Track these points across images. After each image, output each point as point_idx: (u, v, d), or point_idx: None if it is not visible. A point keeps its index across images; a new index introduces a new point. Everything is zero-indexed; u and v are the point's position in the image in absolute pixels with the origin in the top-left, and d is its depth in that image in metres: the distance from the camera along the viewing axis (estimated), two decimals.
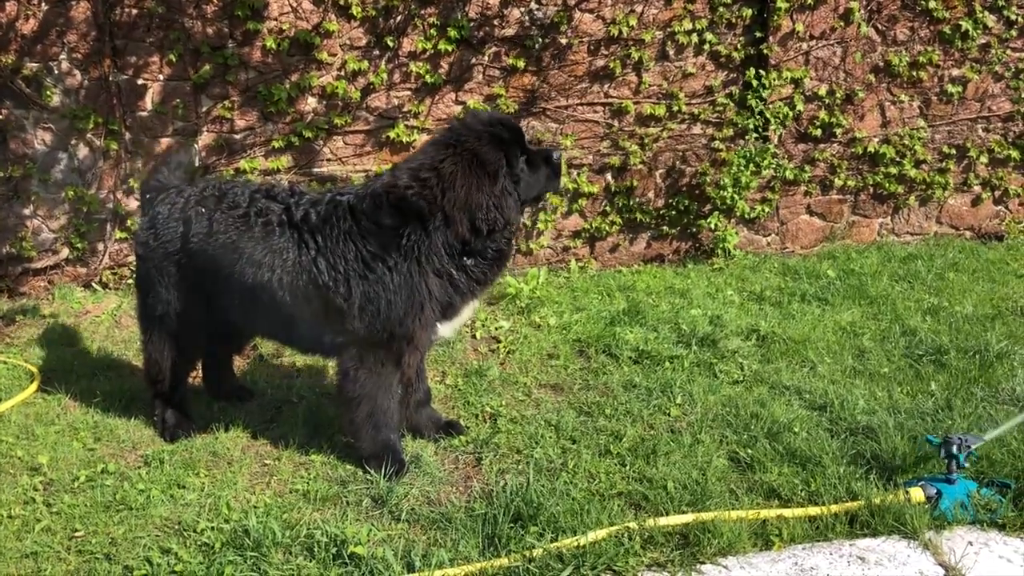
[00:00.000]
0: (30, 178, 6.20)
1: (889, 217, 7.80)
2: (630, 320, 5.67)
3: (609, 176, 7.08)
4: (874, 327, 5.62)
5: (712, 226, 7.18)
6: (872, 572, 3.25)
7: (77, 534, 3.50)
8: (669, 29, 6.87)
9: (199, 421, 4.40)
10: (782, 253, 7.52)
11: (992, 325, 5.54)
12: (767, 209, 7.37)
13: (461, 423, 4.36)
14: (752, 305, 6.10)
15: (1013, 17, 7.46)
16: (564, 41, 6.70)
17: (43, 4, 5.97)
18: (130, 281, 6.30)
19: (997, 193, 7.95)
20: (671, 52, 6.95)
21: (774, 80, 7.07)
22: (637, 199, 7.11)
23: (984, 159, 7.75)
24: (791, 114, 7.20)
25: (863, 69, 7.33)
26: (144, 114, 6.27)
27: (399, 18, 6.42)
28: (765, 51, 7.03)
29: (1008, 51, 7.57)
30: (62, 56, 6.08)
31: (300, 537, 3.38)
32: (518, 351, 5.29)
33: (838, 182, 7.50)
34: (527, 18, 6.60)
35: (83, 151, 6.27)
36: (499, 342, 5.43)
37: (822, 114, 7.31)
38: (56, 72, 6.09)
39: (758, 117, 7.09)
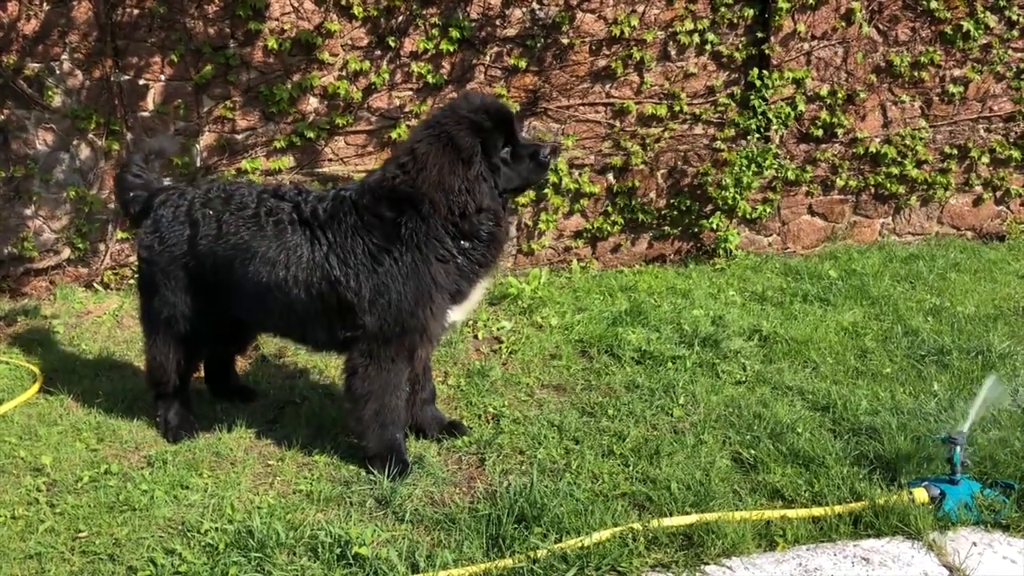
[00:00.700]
0: (32, 178, 6.20)
1: (890, 217, 7.80)
2: (632, 320, 5.67)
3: (611, 176, 7.07)
4: (876, 327, 5.62)
5: (714, 226, 7.18)
6: (876, 573, 3.25)
7: (81, 535, 3.50)
8: (671, 29, 6.87)
9: (202, 421, 4.40)
10: (784, 253, 7.52)
11: (994, 325, 5.54)
12: (769, 209, 7.37)
13: (464, 424, 4.36)
14: (754, 305, 6.10)
15: (1014, 17, 7.46)
16: (566, 41, 6.70)
17: (45, 4, 5.96)
18: (132, 281, 6.30)
19: (998, 193, 7.94)
20: (673, 52, 6.95)
21: (776, 80, 7.07)
22: (639, 199, 7.11)
23: (985, 159, 7.75)
24: (793, 114, 7.20)
25: (864, 69, 7.33)
26: (146, 114, 6.27)
27: (401, 18, 6.42)
28: (767, 51, 7.03)
29: (1010, 51, 7.57)
30: (64, 56, 6.08)
31: (304, 538, 3.38)
32: (520, 351, 5.29)
33: (839, 182, 7.50)
34: (529, 18, 6.60)
35: (85, 151, 6.27)
36: (501, 342, 5.43)
37: (824, 114, 7.31)
38: (58, 72, 6.09)
39: (760, 117, 7.09)
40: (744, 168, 7.03)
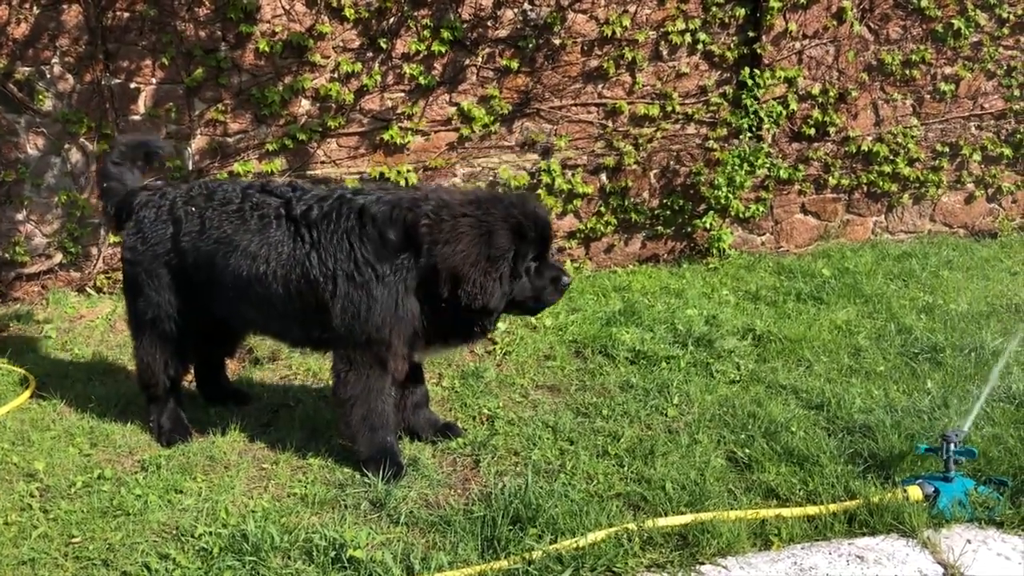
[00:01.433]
0: (23, 183, 6.18)
1: (883, 215, 7.83)
2: (626, 320, 5.67)
3: (604, 176, 7.08)
4: (869, 325, 5.63)
5: (707, 226, 7.19)
6: (871, 571, 3.26)
7: (74, 540, 3.48)
8: (662, 29, 6.88)
9: (196, 425, 4.38)
10: (777, 252, 7.53)
11: (987, 323, 5.56)
12: (761, 208, 7.38)
13: (458, 425, 4.35)
14: (747, 304, 6.10)
15: (1005, 15, 7.49)
16: (557, 42, 6.70)
17: (34, 8, 5.94)
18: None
19: (990, 191, 7.97)
20: (664, 52, 6.96)
21: (768, 79, 7.08)
22: (632, 199, 7.12)
23: (977, 157, 7.78)
24: (785, 113, 7.22)
25: (856, 68, 7.35)
26: (137, 118, 6.25)
27: (392, 20, 6.41)
28: (758, 50, 7.04)
29: (1000, 49, 7.60)
30: (54, 60, 6.06)
31: (299, 541, 3.37)
32: (514, 352, 5.28)
33: (832, 181, 7.52)
34: (520, 19, 6.60)
35: (76, 155, 6.25)
36: (495, 344, 5.42)
37: (815, 113, 7.32)
38: (48, 76, 6.07)
39: (752, 116, 7.10)
40: (737, 167, 7.04)
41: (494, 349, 5.35)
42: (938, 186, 7.77)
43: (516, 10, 6.59)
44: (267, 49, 6.20)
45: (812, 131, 7.35)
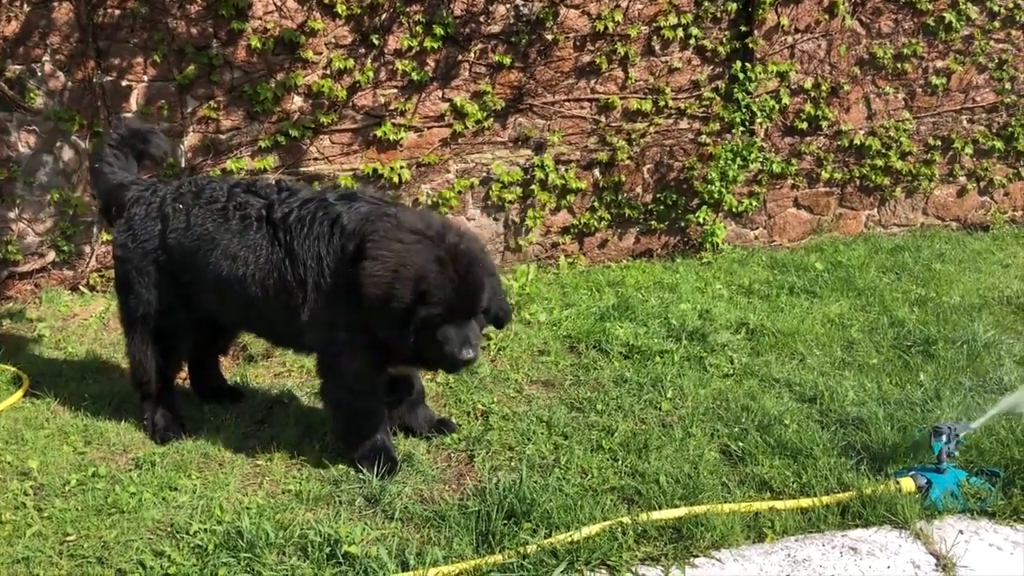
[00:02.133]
0: (15, 181, 6.16)
1: (876, 209, 7.85)
2: (620, 315, 5.68)
3: (597, 172, 7.08)
4: (862, 319, 5.65)
5: (700, 220, 7.20)
6: (864, 562, 3.27)
7: (69, 538, 3.48)
8: (654, 24, 6.88)
9: (190, 423, 4.38)
10: (770, 246, 7.55)
11: (979, 315, 5.58)
12: (754, 203, 7.39)
13: (453, 420, 4.36)
14: (741, 299, 6.12)
15: (996, 8, 7.51)
16: (550, 37, 6.70)
17: (25, 6, 5.92)
18: None
19: (982, 184, 8.00)
20: (657, 47, 6.96)
21: (760, 74, 7.09)
22: (625, 194, 7.12)
23: (969, 150, 7.80)
24: (777, 107, 7.23)
25: (848, 62, 7.36)
26: (129, 115, 6.22)
27: (384, 16, 6.40)
28: (750, 45, 7.05)
29: (991, 42, 7.62)
30: (45, 58, 6.03)
31: (294, 537, 3.37)
32: (508, 348, 5.29)
33: (825, 175, 7.53)
34: (512, 14, 6.60)
35: (68, 153, 6.23)
36: (490, 339, 5.42)
37: (808, 107, 7.34)
38: (39, 74, 6.05)
39: (744, 111, 7.11)
40: (729, 162, 7.05)
41: (488, 344, 5.35)
42: (930, 179, 7.80)
43: (508, 5, 6.58)
44: (259, 46, 6.18)
45: (804, 125, 7.37)
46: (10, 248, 6.19)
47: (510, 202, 6.91)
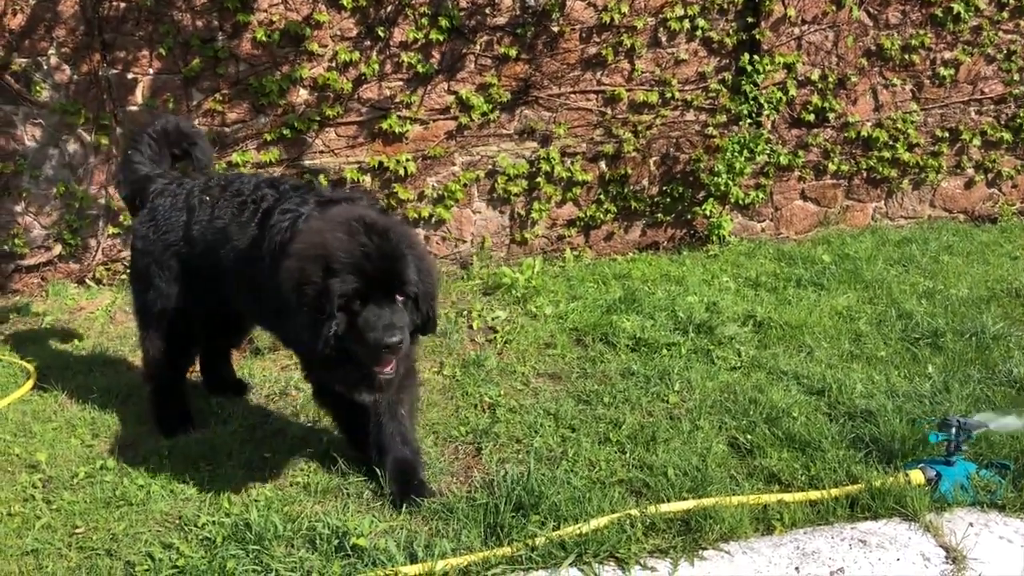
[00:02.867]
0: (21, 174, 6.16)
1: (883, 201, 7.81)
2: (626, 308, 5.66)
3: (603, 164, 7.06)
4: (870, 311, 5.63)
5: (707, 213, 7.18)
6: (873, 555, 3.26)
7: (77, 530, 3.49)
8: (661, 15, 6.85)
9: (197, 416, 4.38)
10: (777, 239, 7.52)
11: (987, 307, 5.56)
12: (761, 195, 7.36)
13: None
14: (748, 291, 6.10)
15: None
16: (556, 29, 6.67)
17: None
18: (124, 277, 6.27)
19: (990, 175, 7.96)
20: (663, 39, 6.93)
21: (767, 65, 7.06)
22: (631, 187, 7.10)
23: (977, 142, 7.76)
24: (784, 99, 7.20)
25: (855, 53, 7.32)
26: (135, 108, 6.23)
27: (390, 8, 6.38)
28: (757, 36, 7.02)
29: (1000, 33, 7.57)
30: (51, 51, 6.03)
31: (302, 530, 3.37)
32: (515, 341, 5.28)
33: (832, 167, 7.50)
34: (518, 6, 6.57)
35: (73, 146, 6.23)
36: (496, 332, 5.42)
37: (815, 99, 7.30)
38: (45, 67, 6.04)
39: (751, 103, 7.08)
40: (736, 154, 7.02)
41: (495, 337, 5.35)
42: (938, 171, 7.76)
43: None
44: (264, 38, 6.17)
45: (811, 117, 7.33)
46: (16, 241, 6.19)
47: (516, 195, 6.89)
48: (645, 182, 7.16)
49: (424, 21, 6.41)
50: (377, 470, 3.68)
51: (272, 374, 4.97)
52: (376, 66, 6.43)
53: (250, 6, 6.14)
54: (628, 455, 3.92)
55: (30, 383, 4.79)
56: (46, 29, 5.99)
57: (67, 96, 6.11)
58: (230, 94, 6.30)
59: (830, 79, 7.28)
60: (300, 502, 3.61)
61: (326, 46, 6.35)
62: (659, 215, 7.24)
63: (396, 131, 6.53)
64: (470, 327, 5.54)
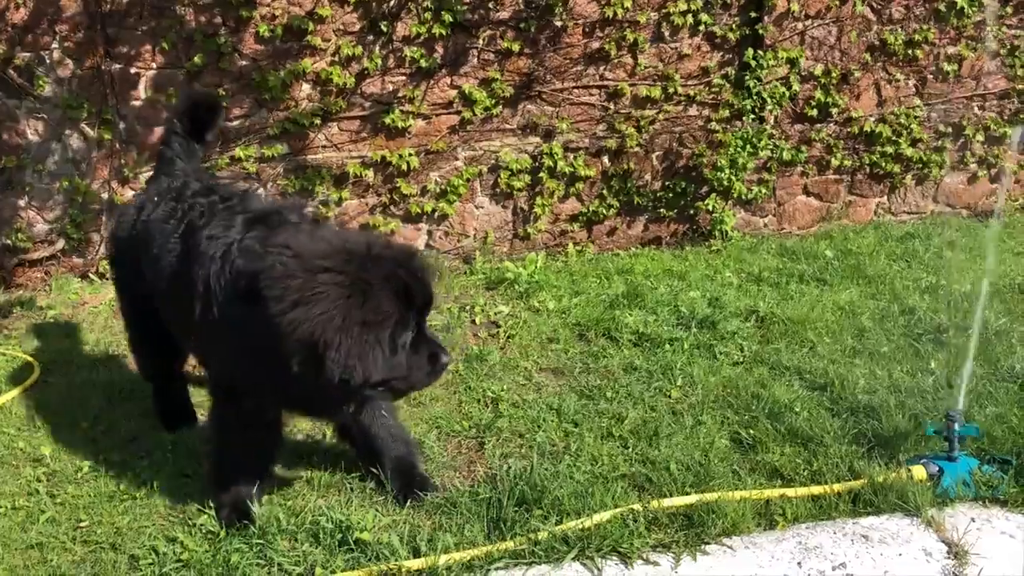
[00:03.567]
0: (24, 169, 6.16)
1: (886, 196, 7.81)
2: (629, 303, 5.67)
3: (606, 159, 7.06)
4: (873, 306, 5.63)
5: (709, 208, 7.17)
6: (876, 550, 3.27)
7: (82, 524, 3.50)
8: (664, 10, 6.83)
9: (200, 411, 4.39)
10: (779, 234, 7.52)
11: (990, 303, 5.55)
12: (764, 190, 7.36)
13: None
14: (751, 286, 6.10)
15: None
16: (559, 23, 6.66)
17: None
18: None
19: (993, 171, 7.95)
20: (666, 33, 6.92)
21: (770, 60, 7.05)
22: (634, 182, 7.10)
23: (980, 137, 7.75)
24: (787, 94, 7.18)
25: (859, 48, 7.31)
26: (138, 103, 6.22)
27: (392, 2, 6.38)
28: (760, 31, 7.00)
29: (1004, 28, 7.55)
30: (54, 46, 6.03)
31: (305, 524, 3.38)
32: (518, 335, 5.29)
33: (835, 162, 7.49)
34: (521, 0, 6.56)
35: (77, 141, 6.23)
36: (499, 327, 5.42)
37: (818, 94, 7.29)
38: (48, 62, 6.04)
39: (754, 98, 7.07)
40: (739, 149, 7.01)
41: (498, 332, 5.35)
42: (941, 167, 7.75)
43: None
44: (267, 33, 6.17)
45: (815, 112, 7.32)
46: (19, 236, 6.20)
47: (519, 190, 6.89)
48: (648, 177, 7.15)
49: (427, 15, 6.40)
50: (378, 471, 3.67)
51: None
52: (379, 61, 6.43)
53: (253, 1, 6.14)
54: (631, 450, 3.93)
55: (34, 377, 4.80)
56: (49, 23, 5.98)
57: (70, 91, 6.11)
58: (233, 89, 6.29)
59: (833, 74, 7.26)
60: (303, 496, 3.62)
61: (329, 41, 6.34)
62: (662, 210, 7.23)
63: (399, 126, 6.53)
64: (473, 322, 5.55)
